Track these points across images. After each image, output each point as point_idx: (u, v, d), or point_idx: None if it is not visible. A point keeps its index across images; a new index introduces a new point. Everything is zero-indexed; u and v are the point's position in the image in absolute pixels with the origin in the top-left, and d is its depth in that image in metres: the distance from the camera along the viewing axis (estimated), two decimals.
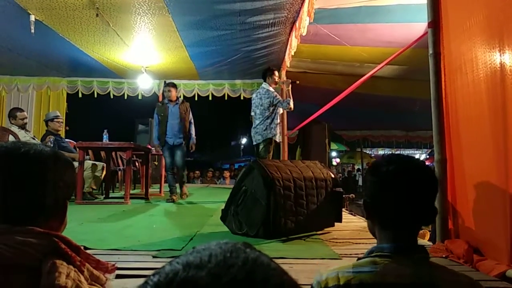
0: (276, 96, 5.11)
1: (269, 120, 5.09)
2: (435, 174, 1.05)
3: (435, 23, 2.63)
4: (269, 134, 5.08)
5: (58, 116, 5.57)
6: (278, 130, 5.19)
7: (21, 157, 0.87)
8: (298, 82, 5.47)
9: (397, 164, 1.02)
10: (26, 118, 5.33)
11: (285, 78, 6.30)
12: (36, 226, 0.84)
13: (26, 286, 0.77)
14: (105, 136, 5.28)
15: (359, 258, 0.99)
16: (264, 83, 5.28)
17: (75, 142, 5.63)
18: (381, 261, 0.93)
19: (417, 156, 19.28)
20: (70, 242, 0.86)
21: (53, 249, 0.81)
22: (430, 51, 2.63)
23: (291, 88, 5.28)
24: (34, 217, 0.86)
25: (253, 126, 5.25)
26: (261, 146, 5.13)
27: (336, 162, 19.18)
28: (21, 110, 5.42)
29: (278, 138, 5.24)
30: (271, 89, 5.20)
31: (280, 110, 5.30)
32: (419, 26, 4.25)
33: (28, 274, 0.77)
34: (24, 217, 0.85)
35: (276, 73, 5.33)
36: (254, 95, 5.42)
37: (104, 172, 5.64)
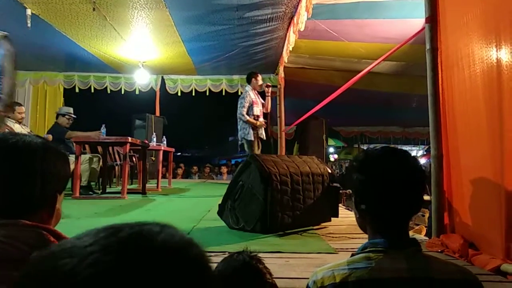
0: (244, 101, 5.42)
1: (240, 121, 5.49)
2: (421, 165, 1.04)
3: (432, 18, 2.62)
4: (242, 135, 5.49)
5: (70, 113, 5.56)
6: (249, 129, 5.45)
7: (8, 148, 0.85)
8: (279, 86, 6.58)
9: (385, 160, 1.01)
10: (24, 112, 5.33)
11: (271, 82, 6.59)
12: (24, 219, 0.82)
13: (13, 280, 0.75)
14: (103, 131, 5.27)
15: (353, 254, 0.99)
16: (247, 85, 5.63)
17: None
18: (375, 256, 0.93)
19: (414, 152, 19.31)
20: (60, 235, 0.84)
21: (41, 242, 0.79)
22: (427, 47, 2.63)
23: (271, 92, 5.92)
24: (22, 210, 0.85)
25: None
26: (245, 145, 5.56)
27: (334, 158, 19.19)
28: (20, 105, 5.40)
29: (250, 137, 5.45)
30: (250, 92, 5.52)
31: (255, 111, 5.50)
32: (417, 22, 4.24)
33: (14, 268, 0.75)
34: (11, 209, 0.83)
35: (259, 77, 5.65)
36: None
37: (100, 164, 5.62)
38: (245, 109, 5.41)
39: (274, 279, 1.25)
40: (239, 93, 8.69)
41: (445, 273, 0.91)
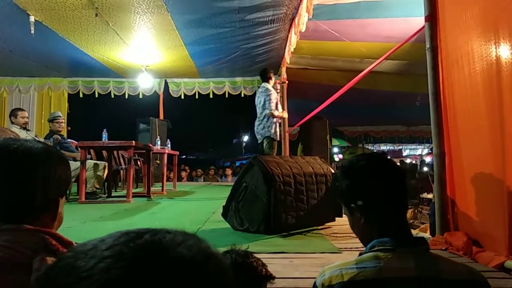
0: (271, 97, 5.30)
1: (265, 119, 5.33)
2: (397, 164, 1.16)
3: (431, 16, 2.63)
4: (267, 133, 5.32)
5: (58, 117, 5.61)
6: (275, 128, 5.35)
7: (10, 154, 0.86)
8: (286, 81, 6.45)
9: (368, 161, 1.09)
10: (27, 117, 5.38)
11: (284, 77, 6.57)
12: (26, 223, 0.83)
13: (18, 284, 0.75)
14: (104, 136, 5.29)
15: (360, 253, 0.99)
16: (264, 83, 5.51)
17: (76, 142, 5.66)
18: (384, 255, 0.93)
19: (419, 151, 19.21)
20: (62, 238, 0.85)
21: (43, 246, 0.80)
22: (427, 45, 2.63)
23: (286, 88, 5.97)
24: (24, 214, 0.85)
25: (255, 125, 5.48)
26: (264, 144, 5.35)
27: (339, 158, 19.16)
28: (22, 110, 5.47)
29: (276, 136, 5.37)
30: (270, 88, 5.40)
31: (279, 109, 5.42)
32: (418, 20, 4.24)
33: (19, 272, 0.75)
34: (13, 214, 0.84)
35: (272, 74, 5.62)
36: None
37: (106, 171, 5.66)
38: (274, 105, 5.28)
39: (268, 270, 1.21)
40: (242, 95, 8.74)
41: (453, 273, 0.91)
